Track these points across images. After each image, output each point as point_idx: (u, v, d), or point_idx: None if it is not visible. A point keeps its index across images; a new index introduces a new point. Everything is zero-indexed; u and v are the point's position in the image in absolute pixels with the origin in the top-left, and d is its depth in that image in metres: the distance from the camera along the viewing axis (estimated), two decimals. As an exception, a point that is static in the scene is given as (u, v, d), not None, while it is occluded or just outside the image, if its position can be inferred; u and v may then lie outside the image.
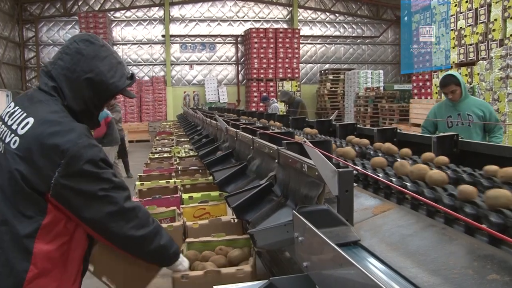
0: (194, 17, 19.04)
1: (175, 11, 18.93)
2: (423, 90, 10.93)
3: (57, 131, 1.52)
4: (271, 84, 17.81)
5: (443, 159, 1.62)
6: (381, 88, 15.90)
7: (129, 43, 18.51)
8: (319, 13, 20.23)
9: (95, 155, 1.54)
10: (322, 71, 19.14)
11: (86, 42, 1.65)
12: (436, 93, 10.04)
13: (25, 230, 1.49)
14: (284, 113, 8.28)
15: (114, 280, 1.83)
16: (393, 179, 1.38)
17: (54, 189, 1.49)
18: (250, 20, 19.50)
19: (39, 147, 1.50)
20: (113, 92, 1.70)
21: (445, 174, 1.28)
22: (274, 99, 11.44)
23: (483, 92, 7.65)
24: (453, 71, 4.12)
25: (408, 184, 1.31)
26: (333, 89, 18.12)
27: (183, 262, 1.78)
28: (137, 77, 18.43)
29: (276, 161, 1.81)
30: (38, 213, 1.51)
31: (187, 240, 2.14)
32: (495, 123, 3.71)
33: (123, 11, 18.60)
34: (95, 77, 1.63)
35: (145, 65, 18.65)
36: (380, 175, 1.47)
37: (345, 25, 20.52)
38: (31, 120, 1.56)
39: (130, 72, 1.79)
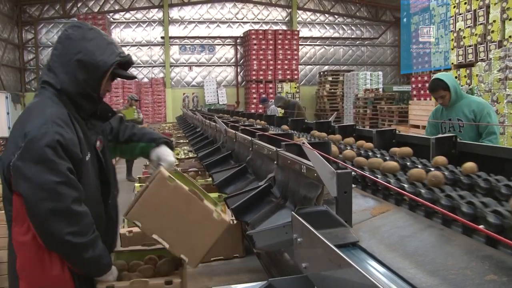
0: (193, 19, 19.05)
1: (174, 13, 18.94)
2: (422, 92, 10.94)
3: (28, 118, 1.59)
4: (270, 85, 17.81)
5: (369, 145, 2.20)
6: (380, 90, 15.92)
7: (128, 45, 18.49)
8: (318, 14, 20.24)
9: (54, 141, 1.50)
10: (321, 73, 19.16)
11: (74, 28, 1.72)
12: (435, 94, 10.05)
13: (8, 221, 1.60)
14: (283, 115, 8.30)
15: (165, 238, 1.65)
16: (392, 181, 1.39)
17: (12, 172, 1.51)
18: (249, 22, 19.50)
19: (12, 134, 1.60)
20: (103, 69, 1.69)
21: (354, 152, 1.91)
22: (273, 100, 11.44)
23: (482, 94, 7.65)
24: (442, 74, 3.73)
25: (400, 184, 1.31)
26: (332, 90, 18.12)
27: (113, 272, 1.70)
28: (136, 79, 18.60)
29: (275, 162, 1.81)
30: (9, 205, 1.58)
31: (116, 249, 2.02)
32: (486, 124, 3.28)
33: (122, 13, 18.60)
34: (84, 57, 1.66)
35: (144, 66, 18.65)
36: (378, 176, 1.47)
37: (344, 27, 20.54)
38: (20, 113, 1.70)
39: (126, 53, 1.79)
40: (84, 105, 1.72)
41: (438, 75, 3.59)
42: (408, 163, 1.71)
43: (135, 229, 2.25)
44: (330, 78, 18.27)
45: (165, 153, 1.96)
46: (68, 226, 1.50)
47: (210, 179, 3.17)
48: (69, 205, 1.49)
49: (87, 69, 1.67)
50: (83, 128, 1.72)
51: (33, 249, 1.55)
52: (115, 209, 1.94)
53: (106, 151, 1.90)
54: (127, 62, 1.82)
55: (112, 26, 18.38)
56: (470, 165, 1.47)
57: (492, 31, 7.87)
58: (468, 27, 8.53)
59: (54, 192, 1.48)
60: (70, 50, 1.67)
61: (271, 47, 17.75)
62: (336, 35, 20.43)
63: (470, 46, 8.51)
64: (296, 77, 18.23)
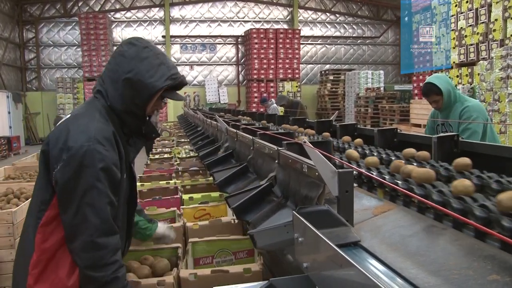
0: (194, 18, 19.06)
1: (175, 12, 18.95)
2: (423, 91, 10.90)
3: (73, 127, 1.59)
4: (272, 84, 17.82)
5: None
6: (382, 89, 15.90)
7: (129, 44, 18.50)
8: (319, 13, 20.24)
9: (94, 163, 1.52)
10: (323, 72, 19.15)
11: (129, 45, 1.71)
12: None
13: (36, 218, 1.60)
14: (284, 114, 8.29)
15: None
16: (390, 178, 1.38)
17: (54, 180, 1.56)
18: (250, 21, 19.51)
19: (57, 139, 1.58)
20: (151, 92, 1.68)
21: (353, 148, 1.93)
22: (273, 100, 11.45)
23: (483, 93, 7.64)
24: (435, 77, 3.51)
25: (400, 183, 1.31)
26: (333, 89, 18.12)
27: None
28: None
29: (276, 161, 1.80)
30: (43, 205, 1.60)
31: None
32: (465, 121, 3.19)
33: (123, 12, 18.63)
34: (133, 77, 1.65)
35: (146, 66, 18.63)
36: (374, 173, 1.47)
37: (345, 26, 20.53)
38: (67, 116, 1.71)
39: (179, 75, 1.75)
40: (129, 122, 1.73)
41: (431, 78, 3.45)
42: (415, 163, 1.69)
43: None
44: (331, 77, 18.26)
45: (165, 233, 2.10)
46: (84, 252, 1.54)
47: (211, 178, 3.17)
48: (93, 236, 1.52)
49: (135, 89, 1.66)
50: (124, 145, 1.72)
51: (51, 251, 1.58)
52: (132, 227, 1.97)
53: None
54: (179, 83, 1.79)
55: (113, 25, 18.40)
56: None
57: (494, 30, 7.86)
58: (470, 25, 8.52)
59: (81, 213, 1.52)
60: (121, 68, 1.67)
61: (272, 46, 17.75)
62: (338, 34, 20.42)
63: (471, 45, 8.50)
64: (297, 76, 18.23)
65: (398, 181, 1.33)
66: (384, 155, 1.81)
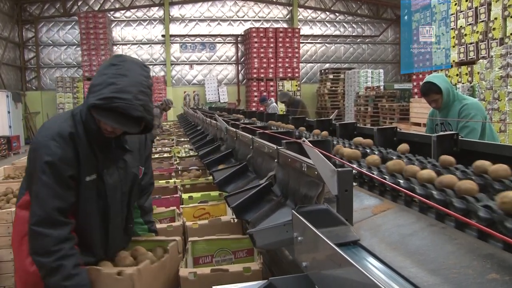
0: (194, 17, 19.03)
1: (175, 11, 18.92)
2: (423, 89, 10.88)
3: (46, 124, 1.80)
4: (271, 83, 17.80)
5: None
6: (381, 87, 15.89)
7: (129, 43, 18.50)
8: (319, 12, 20.21)
9: (42, 157, 1.64)
10: (322, 71, 19.13)
11: (109, 59, 1.78)
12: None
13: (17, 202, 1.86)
14: (284, 113, 8.28)
15: None
16: (387, 177, 1.38)
17: None
18: (250, 20, 19.49)
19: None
20: (86, 105, 1.68)
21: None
22: (272, 99, 11.45)
23: (483, 91, 7.64)
24: (434, 76, 3.54)
25: (401, 181, 1.31)
26: (333, 88, 18.11)
27: None
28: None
29: (275, 160, 1.80)
30: (24, 189, 1.79)
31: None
32: (463, 120, 3.16)
33: (122, 11, 18.60)
34: (90, 89, 1.70)
35: (145, 65, 18.61)
36: (375, 173, 1.47)
37: (345, 25, 20.50)
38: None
39: (119, 101, 1.58)
40: (90, 131, 1.72)
41: (429, 77, 3.43)
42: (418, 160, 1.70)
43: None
44: (331, 76, 18.24)
45: None
46: (30, 240, 1.68)
47: (210, 177, 3.17)
48: (31, 223, 1.65)
49: (87, 99, 1.68)
50: (93, 149, 1.74)
51: (21, 236, 1.74)
52: (120, 233, 1.98)
53: (123, 178, 1.91)
54: (119, 108, 1.60)
55: (113, 25, 18.38)
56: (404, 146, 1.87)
57: (494, 29, 7.85)
58: (470, 24, 8.51)
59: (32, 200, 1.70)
60: (93, 78, 1.72)
61: (272, 45, 17.73)
62: (337, 33, 20.40)
63: (471, 43, 8.49)
64: (297, 75, 18.21)
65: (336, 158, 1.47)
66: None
